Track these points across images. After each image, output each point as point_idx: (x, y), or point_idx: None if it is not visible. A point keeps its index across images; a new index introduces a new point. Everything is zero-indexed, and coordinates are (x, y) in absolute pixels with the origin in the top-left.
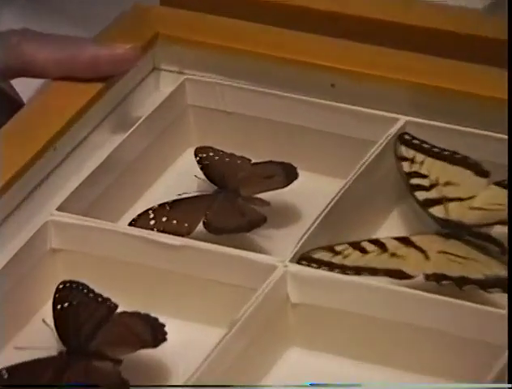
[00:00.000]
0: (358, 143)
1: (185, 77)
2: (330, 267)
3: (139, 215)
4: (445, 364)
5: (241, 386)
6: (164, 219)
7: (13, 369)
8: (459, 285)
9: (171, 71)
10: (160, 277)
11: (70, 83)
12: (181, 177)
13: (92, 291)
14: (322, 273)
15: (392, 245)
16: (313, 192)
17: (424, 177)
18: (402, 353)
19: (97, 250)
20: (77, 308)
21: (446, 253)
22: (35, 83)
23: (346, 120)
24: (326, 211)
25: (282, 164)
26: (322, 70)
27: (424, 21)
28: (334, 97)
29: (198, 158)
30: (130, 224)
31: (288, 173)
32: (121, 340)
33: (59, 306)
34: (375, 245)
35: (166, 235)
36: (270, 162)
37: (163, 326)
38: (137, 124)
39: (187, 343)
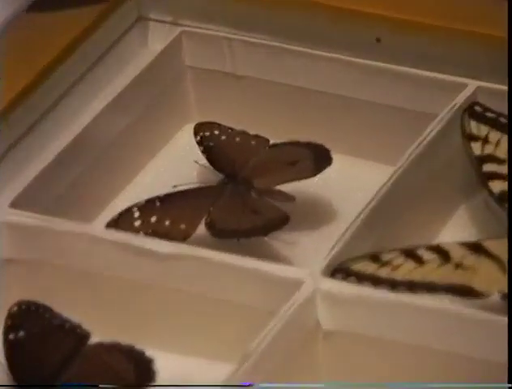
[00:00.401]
0: (412, 117)
1: (182, 29)
2: (375, 281)
3: (121, 214)
4: None
5: (239, 386)
6: (153, 218)
7: None
8: None
9: (162, 22)
10: (149, 296)
11: (29, 36)
12: (176, 163)
13: (57, 315)
14: (364, 291)
15: (458, 253)
16: (351, 183)
17: (500, 161)
18: None
19: (64, 260)
20: (36, 338)
21: None
22: None
23: (396, 86)
24: (369, 209)
25: (310, 145)
26: (363, 19)
27: None
28: (380, 56)
29: (198, 138)
30: (109, 226)
31: (318, 158)
32: (94, 380)
33: (12, 336)
34: (435, 252)
35: (156, 240)
36: (295, 143)
37: (151, 361)
38: (117, 92)
39: (184, 383)
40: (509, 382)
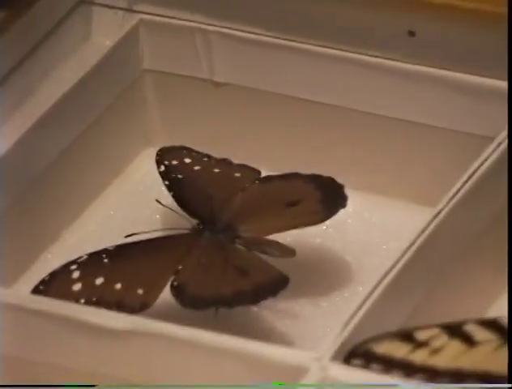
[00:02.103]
0: (456, 141)
1: (140, 17)
2: (409, 370)
3: (54, 274)
4: None
5: (238, 386)
6: (99, 281)
7: None
8: None
9: (113, 7)
10: None
11: None
12: (131, 203)
13: None
14: (393, 383)
15: None
16: (372, 232)
17: None
18: None
19: None
20: None
21: None
22: None
23: (433, 96)
24: (396, 269)
25: (316, 178)
26: (392, 8)
27: None
28: (413, 54)
29: (163, 167)
30: (36, 291)
31: (328, 197)
32: None
33: None
34: (491, 330)
35: (104, 312)
36: (295, 175)
37: None
38: (50, 103)
39: None
40: (509, 382)
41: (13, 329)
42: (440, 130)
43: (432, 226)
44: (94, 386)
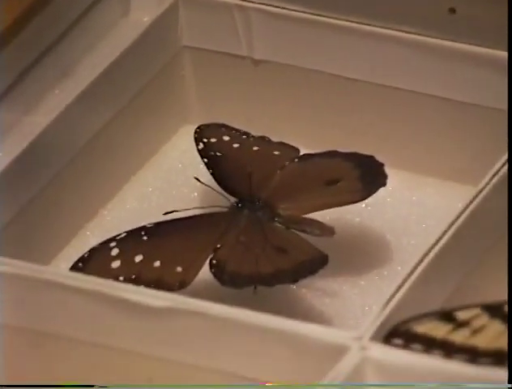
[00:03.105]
0: (500, 119)
1: None
2: (449, 349)
3: (93, 251)
4: None
5: (241, 386)
6: (137, 258)
7: None
8: None
9: None
10: (131, 367)
11: None
12: (169, 180)
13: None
14: (434, 363)
15: None
16: (412, 210)
17: None
18: None
19: (11, 318)
20: None
21: None
22: None
23: (475, 74)
24: (438, 247)
25: (355, 157)
26: None
27: None
28: (454, 32)
29: (201, 145)
30: (75, 268)
31: (368, 175)
32: None
33: None
34: None
35: (143, 289)
36: (334, 154)
37: None
38: (89, 81)
39: None
40: (509, 382)
41: (52, 306)
42: (481, 109)
43: (472, 205)
44: (93, 386)
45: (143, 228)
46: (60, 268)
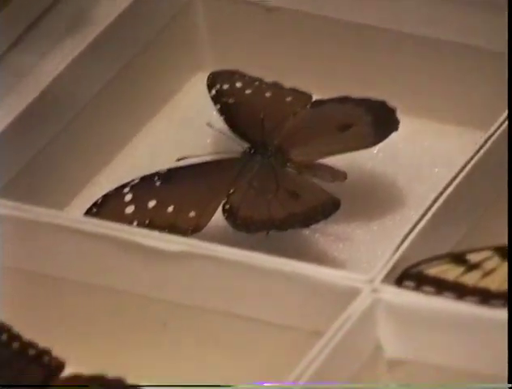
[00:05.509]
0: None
1: None
2: (460, 291)
3: (107, 196)
4: None
5: (240, 386)
6: (151, 203)
7: None
8: None
9: None
10: (145, 311)
11: None
12: (182, 127)
13: (17, 337)
14: (445, 304)
15: None
16: (423, 155)
17: None
18: None
19: (26, 264)
20: None
21: None
22: None
23: (485, 20)
24: (448, 191)
25: (367, 103)
26: None
27: None
28: None
29: (214, 91)
30: (90, 213)
31: (379, 121)
32: None
33: None
34: None
35: (156, 234)
36: (346, 99)
37: None
38: (99, 30)
39: None
40: (509, 382)
41: (66, 251)
42: (493, 54)
43: (482, 150)
44: (87, 386)
45: (157, 173)
46: (74, 214)
